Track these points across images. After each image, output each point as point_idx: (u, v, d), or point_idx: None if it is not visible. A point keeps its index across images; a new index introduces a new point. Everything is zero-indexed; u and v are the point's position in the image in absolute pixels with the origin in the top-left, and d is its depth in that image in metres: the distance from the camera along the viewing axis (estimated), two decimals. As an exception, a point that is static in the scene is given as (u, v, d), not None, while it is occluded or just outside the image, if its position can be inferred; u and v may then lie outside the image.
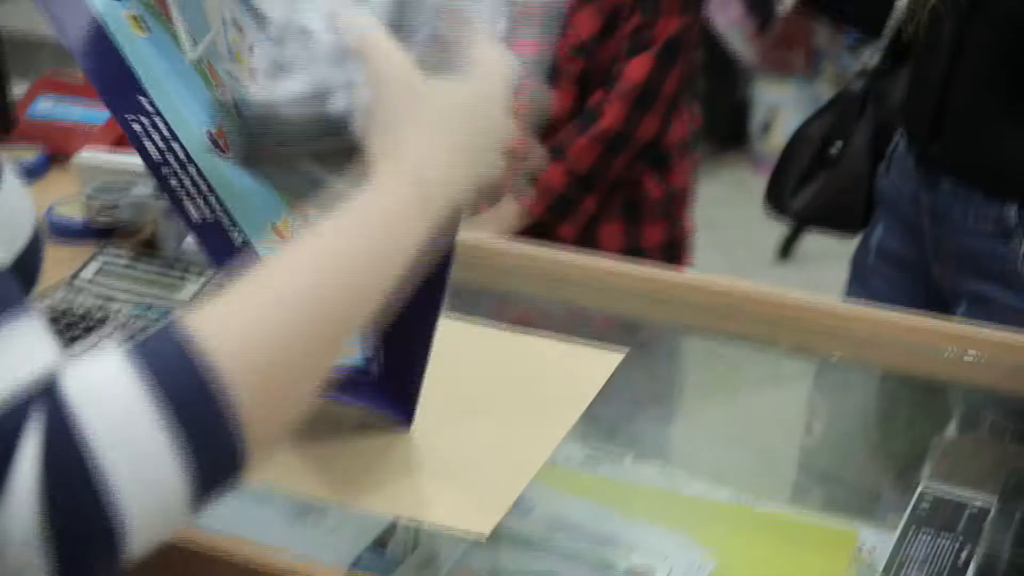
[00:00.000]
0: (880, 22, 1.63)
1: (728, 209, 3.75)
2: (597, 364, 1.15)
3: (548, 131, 1.75)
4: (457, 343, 1.08)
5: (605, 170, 1.75)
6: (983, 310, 1.48)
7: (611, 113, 1.72)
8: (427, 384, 1.01)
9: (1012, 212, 1.47)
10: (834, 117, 1.72)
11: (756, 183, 4.15)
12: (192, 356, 0.61)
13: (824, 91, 4.21)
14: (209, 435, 0.61)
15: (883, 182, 1.65)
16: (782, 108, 4.26)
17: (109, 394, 0.59)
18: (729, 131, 4.28)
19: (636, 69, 1.72)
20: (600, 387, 1.11)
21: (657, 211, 1.81)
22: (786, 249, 3.63)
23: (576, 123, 1.74)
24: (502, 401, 1.10)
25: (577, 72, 1.73)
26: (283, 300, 0.65)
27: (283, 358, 0.64)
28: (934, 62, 1.51)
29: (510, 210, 1.77)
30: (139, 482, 0.59)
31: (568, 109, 1.75)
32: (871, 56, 1.69)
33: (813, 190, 1.72)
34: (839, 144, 1.69)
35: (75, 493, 0.57)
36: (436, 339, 0.97)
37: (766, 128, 4.30)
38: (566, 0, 1.71)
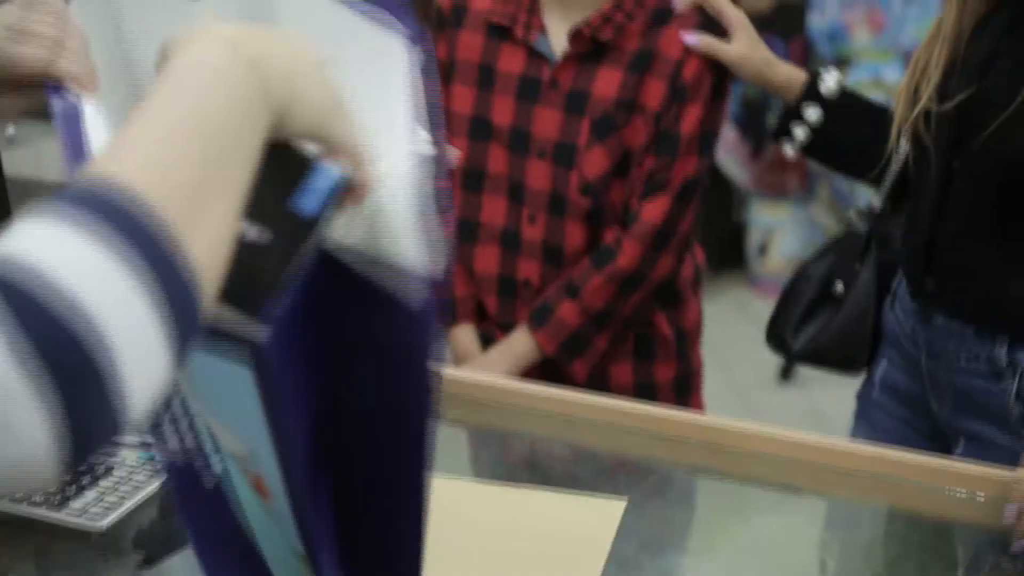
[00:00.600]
0: (879, 172, 1.67)
1: (728, 330, 3.79)
2: (603, 514, 1.16)
3: (561, 266, 1.77)
4: (455, 503, 1.08)
5: (620, 309, 1.76)
6: (979, 448, 1.50)
7: (628, 253, 1.73)
8: (433, 553, 0.92)
9: (1003, 352, 1.48)
10: (836, 257, 1.74)
11: (755, 304, 4.22)
12: (122, 196, 0.57)
13: (819, 213, 4.28)
14: (168, 272, 0.57)
15: (888, 316, 1.68)
16: (778, 230, 4.32)
17: (59, 244, 0.55)
18: (726, 253, 4.34)
19: (653, 212, 1.73)
20: (611, 538, 1.12)
21: (668, 349, 1.82)
22: (787, 371, 3.65)
23: (591, 260, 1.75)
24: (517, 564, 1.09)
25: (586, 208, 1.74)
26: (173, 129, 0.62)
27: (197, 176, 0.61)
28: (925, 198, 1.55)
29: (523, 347, 1.78)
30: (120, 318, 0.54)
31: (580, 245, 1.76)
32: (873, 199, 1.72)
33: (815, 329, 1.74)
34: (841, 284, 1.71)
35: (49, 322, 0.52)
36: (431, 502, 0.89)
37: (763, 250, 4.35)
38: (579, 138, 1.73)
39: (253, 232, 0.70)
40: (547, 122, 1.74)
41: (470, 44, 1.78)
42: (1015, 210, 1.42)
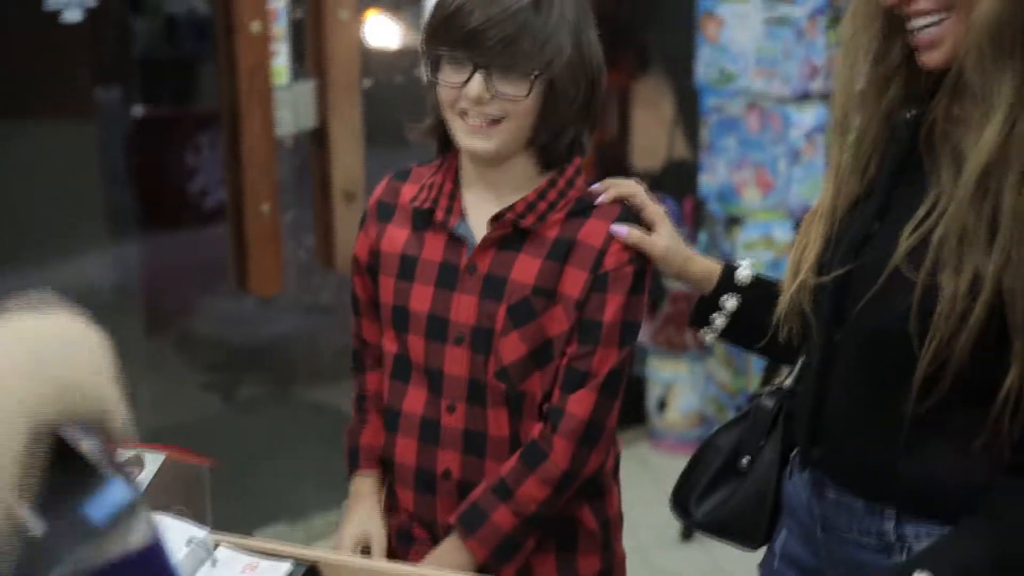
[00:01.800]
0: (791, 353, 1.69)
1: (630, 489, 3.77)
2: None
3: (483, 455, 1.73)
4: None
5: (552, 509, 1.71)
6: None
7: (559, 452, 1.69)
8: None
9: (891, 527, 1.48)
10: (744, 430, 1.74)
11: (656, 460, 4.22)
12: None
13: (716, 369, 4.33)
14: None
15: (787, 487, 1.68)
16: (676, 385, 4.35)
17: None
18: (626, 408, 4.34)
19: (580, 406, 1.69)
20: None
21: (593, 540, 1.78)
22: (689, 529, 3.64)
23: (522, 459, 1.70)
24: None
25: (504, 395, 1.71)
26: None
27: None
28: (811, 370, 1.57)
29: (455, 558, 1.72)
30: None
31: (502, 433, 1.72)
32: (783, 377, 1.74)
33: (717, 500, 1.74)
34: (747, 459, 1.72)
35: None
36: None
37: (662, 405, 4.37)
38: (496, 323, 1.70)
39: (38, 527, 0.73)
40: (465, 307, 1.71)
41: (395, 236, 1.77)
42: (893, 384, 1.44)
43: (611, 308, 1.69)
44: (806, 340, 1.60)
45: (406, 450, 1.77)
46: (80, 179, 5.97)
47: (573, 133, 1.72)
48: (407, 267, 1.76)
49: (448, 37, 1.65)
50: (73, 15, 2.84)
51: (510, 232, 1.71)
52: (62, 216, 5.20)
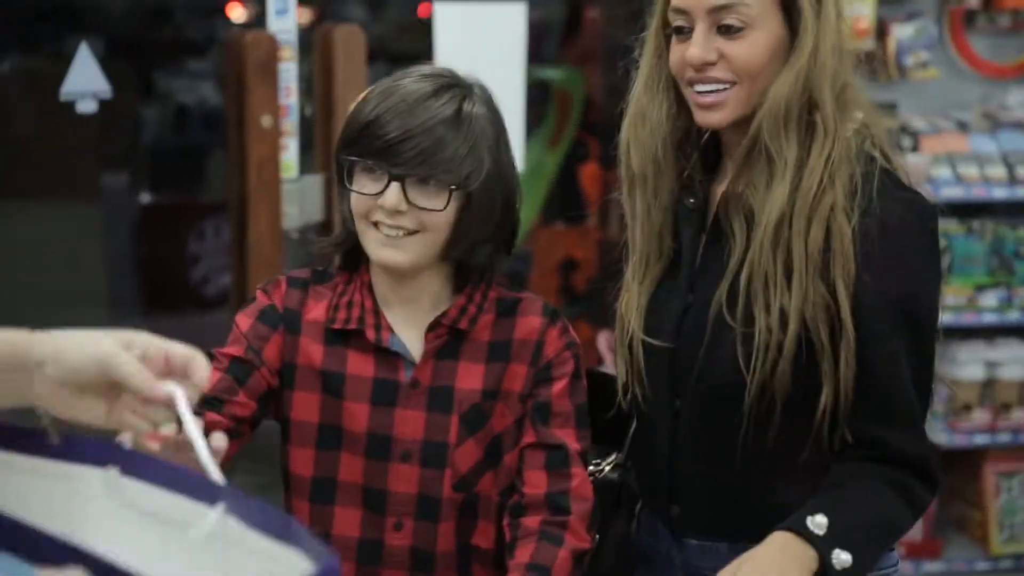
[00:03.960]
0: (621, 437, 1.82)
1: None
2: None
3: (432, 572, 1.71)
4: None
5: None
6: None
7: (574, 530, 1.69)
8: None
9: None
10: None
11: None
12: None
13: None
14: None
15: (638, 540, 1.79)
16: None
17: None
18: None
19: (574, 480, 1.71)
20: None
21: None
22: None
23: (544, 541, 1.67)
24: None
25: (459, 505, 1.71)
26: None
27: None
28: (658, 436, 1.71)
29: None
30: None
31: (452, 547, 1.71)
32: (618, 456, 1.85)
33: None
34: (596, 535, 1.77)
35: None
36: None
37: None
38: (449, 435, 1.70)
39: None
40: (410, 423, 1.70)
41: (310, 351, 1.72)
42: (736, 428, 1.61)
43: (559, 392, 1.72)
44: (647, 411, 1.73)
45: None
46: (84, 261, 6.02)
47: (489, 250, 1.73)
48: (332, 384, 1.71)
49: (365, 146, 1.65)
50: (87, 106, 2.89)
51: (446, 341, 1.71)
52: (64, 296, 5.23)
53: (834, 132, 1.61)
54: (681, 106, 1.68)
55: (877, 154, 1.64)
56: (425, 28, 3.49)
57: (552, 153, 5.18)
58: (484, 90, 1.73)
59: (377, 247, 1.67)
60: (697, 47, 1.60)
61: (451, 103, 1.66)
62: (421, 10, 5.54)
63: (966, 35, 3.96)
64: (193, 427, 1.10)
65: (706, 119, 1.65)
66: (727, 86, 1.62)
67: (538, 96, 4.87)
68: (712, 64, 1.61)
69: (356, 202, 1.67)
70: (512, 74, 3.44)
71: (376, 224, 1.66)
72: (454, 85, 1.69)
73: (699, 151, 1.71)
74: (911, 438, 1.61)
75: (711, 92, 1.63)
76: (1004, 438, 3.88)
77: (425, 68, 1.74)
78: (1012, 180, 3.82)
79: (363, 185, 1.66)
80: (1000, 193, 3.83)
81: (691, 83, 1.64)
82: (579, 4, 5.59)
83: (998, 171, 3.82)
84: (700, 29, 1.61)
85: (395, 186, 1.63)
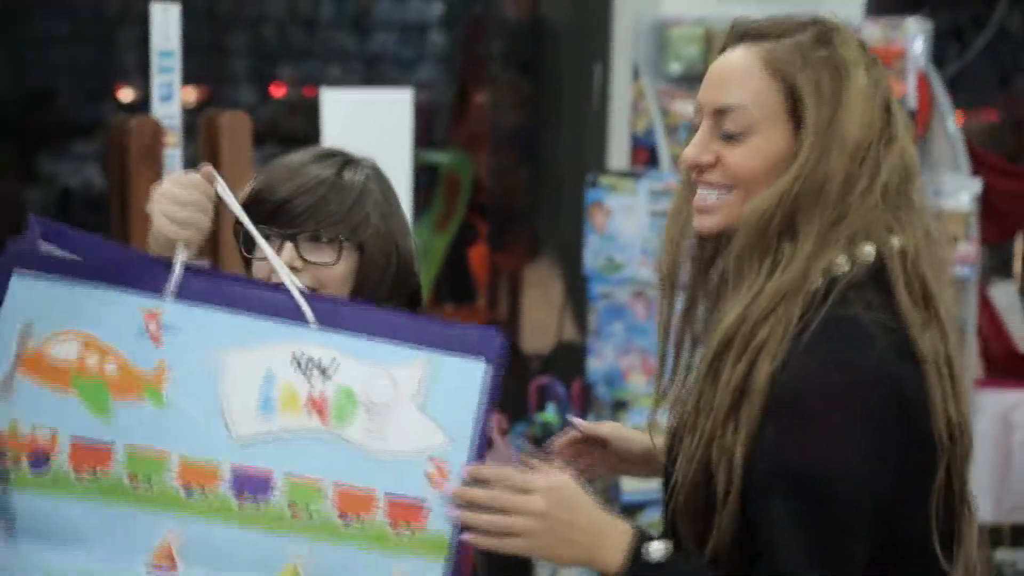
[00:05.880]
0: None
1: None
2: None
3: None
4: None
5: None
6: None
7: None
8: None
9: None
10: None
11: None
12: None
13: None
14: None
15: None
16: (564, 569, 4.34)
17: None
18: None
19: None
20: None
21: None
22: None
23: None
24: None
25: None
26: None
27: None
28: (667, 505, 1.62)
29: None
30: None
31: None
32: None
33: None
34: None
35: None
36: None
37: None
38: None
39: None
40: None
41: None
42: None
43: None
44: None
45: None
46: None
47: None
48: None
49: (259, 212, 1.68)
50: (-34, 190, 2.84)
51: None
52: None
53: (802, 262, 1.45)
54: None
55: (856, 299, 1.45)
56: (314, 110, 3.50)
57: (441, 235, 5.22)
58: (371, 162, 1.78)
59: None
60: (692, 147, 1.54)
61: (332, 166, 1.72)
62: (307, 92, 5.56)
63: None
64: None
65: (699, 223, 1.55)
66: (723, 192, 1.53)
67: (426, 179, 4.91)
68: (711, 167, 1.53)
69: (257, 269, 1.70)
70: (399, 157, 3.47)
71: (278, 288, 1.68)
72: (338, 155, 1.75)
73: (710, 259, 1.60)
74: None
75: (706, 196, 1.54)
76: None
77: (316, 148, 1.81)
78: None
79: (260, 252, 1.68)
80: None
81: (694, 184, 1.56)
82: (467, 88, 5.66)
83: None
84: (703, 128, 1.54)
85: (288, 245, 1.68)
